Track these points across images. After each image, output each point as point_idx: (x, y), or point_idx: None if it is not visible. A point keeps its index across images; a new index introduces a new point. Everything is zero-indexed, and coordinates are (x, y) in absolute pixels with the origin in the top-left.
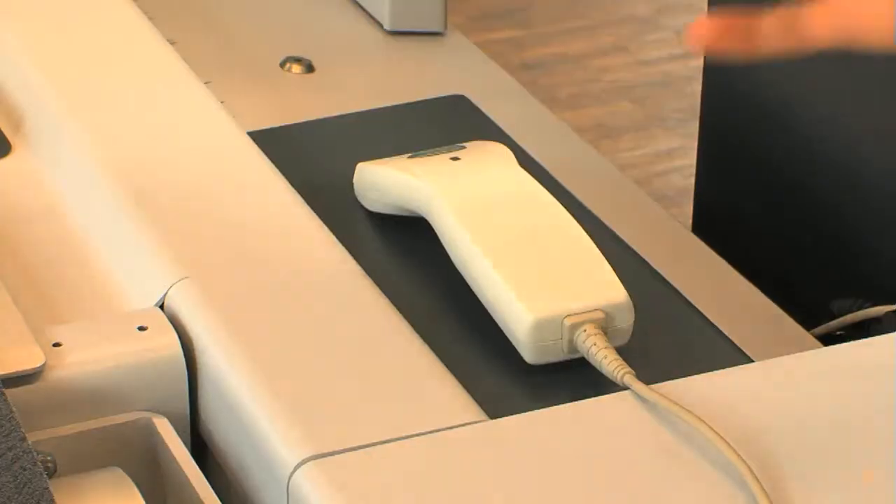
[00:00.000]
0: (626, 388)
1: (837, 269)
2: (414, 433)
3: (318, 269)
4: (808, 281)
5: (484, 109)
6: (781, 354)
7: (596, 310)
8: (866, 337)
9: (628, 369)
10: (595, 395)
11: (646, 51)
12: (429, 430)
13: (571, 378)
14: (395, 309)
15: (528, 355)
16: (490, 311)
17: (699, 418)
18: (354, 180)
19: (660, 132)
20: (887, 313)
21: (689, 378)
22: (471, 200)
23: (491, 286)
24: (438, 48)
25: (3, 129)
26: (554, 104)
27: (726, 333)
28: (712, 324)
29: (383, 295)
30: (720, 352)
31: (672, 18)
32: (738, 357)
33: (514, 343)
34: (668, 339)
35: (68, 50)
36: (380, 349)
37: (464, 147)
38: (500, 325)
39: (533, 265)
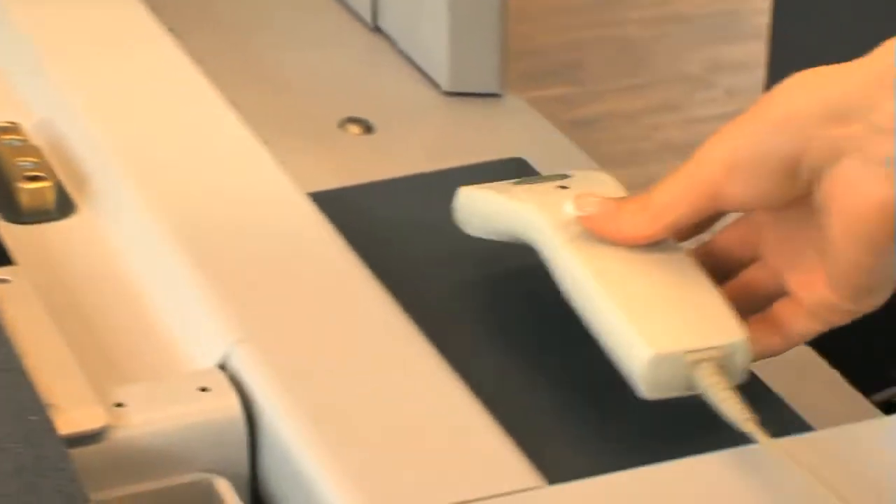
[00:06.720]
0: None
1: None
2: (474, 499)
3: (377, 330)
4: (864, 346)
5: (543, 172)
6: (840, 421)
7: (716, 347)
8: None
9: (751, 415)
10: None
11: (696, 109)
12: (490, 494)
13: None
14: (448, 367)
15: (645, 390)
16: (603, 343)
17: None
18: (457, 205)
19: None
20: None
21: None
22: (581, 229)
23: (606, 318)
24: (496, 109)
25: (68, 189)
26: (606, 163)
27: (783, 398)
28: (771, 390)
29: (438, 354)
30: (783, 418)
31: (723, 77)
32: (799, 423)
33: (630, 377)
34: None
35: (130, 109)
36: (438, 409)
37: (569, 176)
38: (614, 357)
39: (649, 298)
